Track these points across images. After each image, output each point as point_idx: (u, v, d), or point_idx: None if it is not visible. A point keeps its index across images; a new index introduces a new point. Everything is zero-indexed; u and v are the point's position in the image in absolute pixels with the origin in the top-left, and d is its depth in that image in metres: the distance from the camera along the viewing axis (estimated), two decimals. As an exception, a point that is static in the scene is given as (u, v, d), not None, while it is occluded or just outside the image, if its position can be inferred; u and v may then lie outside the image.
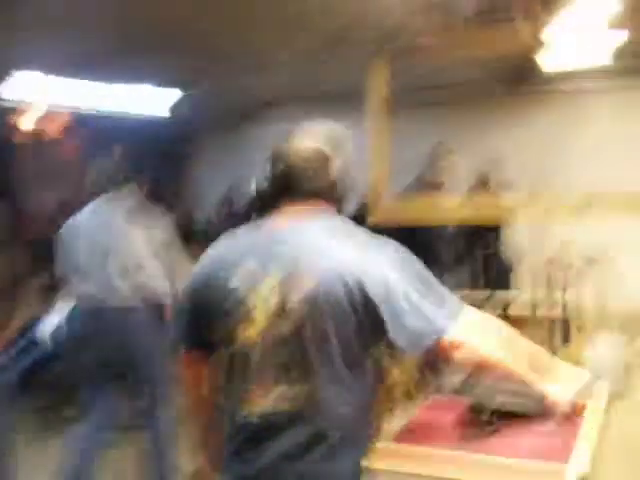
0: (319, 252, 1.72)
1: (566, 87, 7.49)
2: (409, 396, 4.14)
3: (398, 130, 5.86)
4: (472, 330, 1.71)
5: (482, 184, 7.09)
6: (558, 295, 4.20)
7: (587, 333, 4.71)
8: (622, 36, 5.61)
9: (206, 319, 1.82)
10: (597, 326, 5.82)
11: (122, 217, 3.92)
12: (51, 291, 5.70)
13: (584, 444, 1.92)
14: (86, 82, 6.52)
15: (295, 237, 1.76)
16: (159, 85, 7.09)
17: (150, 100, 7.46)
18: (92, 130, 8.33)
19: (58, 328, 4.98)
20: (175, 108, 7.82)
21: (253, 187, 1.71)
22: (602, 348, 5.16)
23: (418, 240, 5.04)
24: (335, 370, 1.71)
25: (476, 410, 2.11)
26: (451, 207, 4.72)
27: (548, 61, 5.87)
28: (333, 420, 1.73)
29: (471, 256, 7.01)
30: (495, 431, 2.01)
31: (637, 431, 4.49)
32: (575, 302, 4.16)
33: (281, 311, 1.70)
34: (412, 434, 2.02)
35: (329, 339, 1.69)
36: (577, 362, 3.82)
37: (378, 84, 4.08)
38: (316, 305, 1.67)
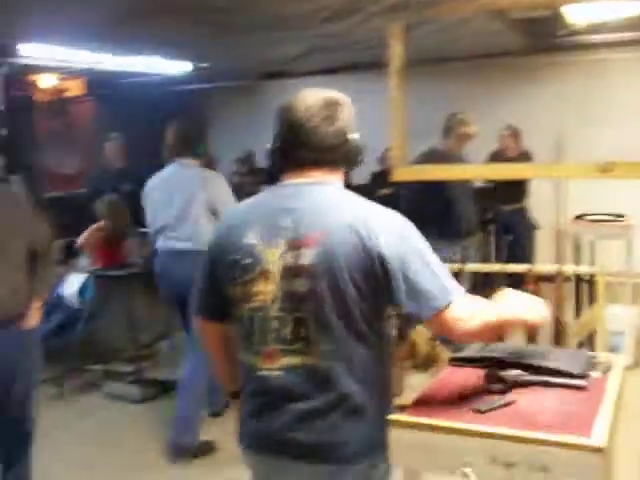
0: (331, 208, 1.80)
1: (592, 39, 7.35)
2: (427, 365, 4.18)
3: (416, 96, 5.86)
4: (471, 305, 1.83)
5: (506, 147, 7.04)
6: (583, 254, 4.14)
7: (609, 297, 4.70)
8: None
9: (226, 278, 1.89)
10: (615, 292, 5.92)
11: (205, 172, 4.51)
12: (68, 251, 5.76)
13: (604, 416, 1.85)
14: (97, 54, 6.45)
15: (305, 195, 1.84)
16: (170, 57, 7.02)
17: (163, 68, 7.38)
18: (110, 90, 8.33)
19: (84, 286, 5.12)
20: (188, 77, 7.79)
21: (268, 146, 1.77)
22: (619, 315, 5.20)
23: (443, 196, 5.02)
24: (354, 330, 1.77)
25: (491, 379, 2.06)
26: (469, 170, 4.65)
27: (574, 13, 5.77)
28: (351, 382, 1.78)
29: (496, 212, 7.01)
30: (510, 402, 1.95)
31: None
32: (599, 264, 4.08)
33: (298, 267, 1.77)
34: (426, 405, 1.98)
35: (346, 296, 1.74)
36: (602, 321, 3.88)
37: (395, 53, 4.01)
38: (331, 257, 1.74)
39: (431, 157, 5.06)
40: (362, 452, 1.85)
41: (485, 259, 4.52)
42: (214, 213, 4.25)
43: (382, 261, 1.74)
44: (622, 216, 6.21)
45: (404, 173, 4.20)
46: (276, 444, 1.86)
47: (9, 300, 3.33)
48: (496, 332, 1.96)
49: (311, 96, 1.91)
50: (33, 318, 3.47)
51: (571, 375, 2.09)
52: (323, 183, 1.88)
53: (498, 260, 4.28)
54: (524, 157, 6.98)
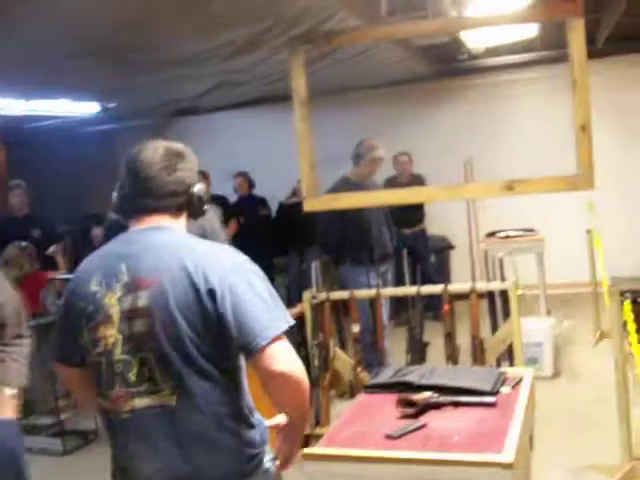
0: (164, 252, 1.85)
1: (490, 62, 7.65)
2: (352, 393, 4.19)
3: (325, 125, 5.95)
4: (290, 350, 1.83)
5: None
6: (496, 270, 4.25)
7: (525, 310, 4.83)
8: (532, 29, 5.85)
9: (76, 327, 1.91)
10: (531, 305, 6.11)
11: None
12: None
13: (513, 432, 1.89)
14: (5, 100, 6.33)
15: (142, 240, 1.89)
16: (77, 99, 6.91)
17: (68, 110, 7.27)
18: (17, 135, 8.15)
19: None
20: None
21: (115, 195, 1.79)
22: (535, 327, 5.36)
23: (356, 223, 5.08)
24: (195, 366, 1.79)
25: (403, 404, 2.08)
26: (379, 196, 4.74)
27: (471, 38, 5.98)
28: (201, 418, 1.80)
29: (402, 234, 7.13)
30: (423, 426, 1.97)
31: (577, 397, 4.82)
32: (514, 278, 4.21)
33: (134, 309, 1.81)
34: (340, 435, 1.98)
35: (181, 333, 1.78)
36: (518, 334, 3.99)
37: (298, 85, 4.06)
38: (164, 298, 1.79)
39: (343, 186, 5.12)
40: None
41: (400, 282, 4.58)
42: None
43: (212, 297, 1.78)
44: (532, 230, 6.40)
45: (315, 203, 4.24)
46: None
47: None
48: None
49: (152, 147, 1.96)
50: (5, 411, 2.82)
51: (481, 393, 2.13)
52: (161, 228, 1.92)
53: (413, 283, 4.33)
54: (417, 180, 7.17)
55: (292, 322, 1.85)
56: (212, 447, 1.82)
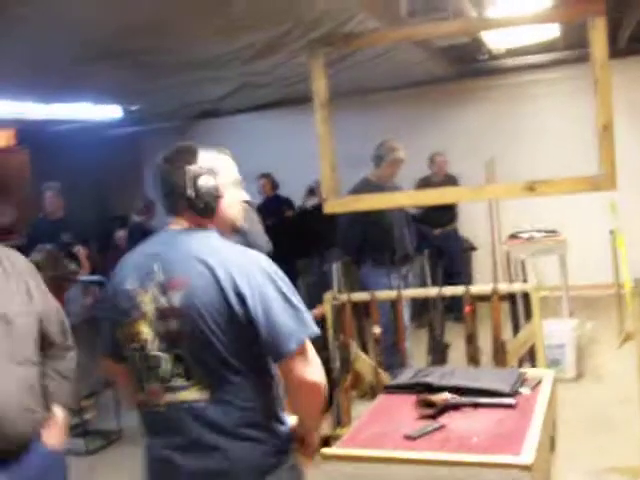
0: (194, 253, 1.91)
1: (511, 63, 7.61)
2: (373, 394, 4.19)
3: (346, 127, 5.95)
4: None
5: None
6: (518, 272, 4.23)
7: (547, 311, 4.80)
8: (554, 29, 5.82)
9: (115, 323, 2.00)
10: (553, 307, 6.07)
11: None
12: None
13: (533, 433, 1.89)
14: (25, 104, 6.38)
15: (173, 241, 1.96)
16: (98, 103, 6.96)
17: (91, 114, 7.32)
18: (41, 139, 8.24)
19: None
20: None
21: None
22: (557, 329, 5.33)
23: (378, 225, 5.09)
24: (225, 364, 1.86)
25: (422, 404, 2.08)
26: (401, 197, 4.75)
27: (492, 38, 5.96)
28: (232, 412, 1.87)
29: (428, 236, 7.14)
30: (442, 426, 1.97)
31: (600, 399, 4.80)
32: (536, 280, 4.18)
33: (168, 308, 1.88)
34: (360, 436, 1.98)
35: (211, 333, 1.84)
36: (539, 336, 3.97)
37: (319, 87, 4.07)
38: (193, 302, 1.85)
39: (364, 188, 5.12)
40: (251, 477, 1.90)
41: (423, 284, 4.57)
42: None
43: (242, 301, 1.83)
44: (555, 232, 6.36)
45: (336, 205, 4.25)
46: (169, 473, 1.94)
47: (16, 414, 2.23)
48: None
49: (168, 151, 2.03)
50: (54, 436, 2.40)
51: (500, 394, 2.13)
52: (191, 230, 1.98)
53: (435, 284, 4.32)
54: (451, 180, 7.18)
55: (318, 331, 1.90)
56: (243, 440, 1.88)
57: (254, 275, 1.86)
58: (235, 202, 2.08)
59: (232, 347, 1.86)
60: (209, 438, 1.88)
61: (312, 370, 1.86)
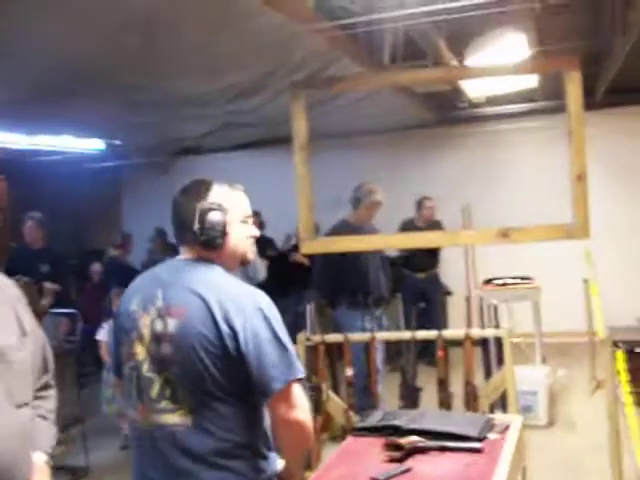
0: (195, 284, 1.97)
1: (490, 111, 7.75)
2: (344, 436, 4.17)
3: (327, 169, 6.01)
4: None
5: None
6: (492, 317, 4.25)
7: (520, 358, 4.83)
8: (532, 80, 5.96)
9: (119, 342, 2.09)
10: (527, 353, 6.11)
11: None
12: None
13: (499, 478, 1.89)
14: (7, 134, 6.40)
15: (178, 270, 2.04)
16: (80, 136, 6.98)
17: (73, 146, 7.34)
18: (22, 170, 8.22)
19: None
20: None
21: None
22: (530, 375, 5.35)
23: (353, 266, 5.11)
24: (212, 394, 1.91)
25: (389, 447, 2.08)
26: (377, 240, 4.78)
27: (472, 87, 6.07)
28: (212, 442, 1.91)
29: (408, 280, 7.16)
30: (409, 470, 1.97)
31: (571, 446, 4.81)
32: (508, 325, 4.21)
33: (163, 334, 1.95)
34: (329, 476, 1.98)
35: (200, 363, 1.90)
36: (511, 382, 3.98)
37: (299, 129, 4.13)
38: (187, 331, 1.91)
39: (342, 229, 5.16)
40: None
41: (397, 327, 4.58)
42: None
43: (234, 337, 1.88)
44: (529, 278, 6.41)
45: (313, 246, 4.28)
46: None
47: (18, 469, 1.86)
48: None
49: (188, 183, 2.11)
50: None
51: (468, 438, 2.14)
52: (196, 262, 2.05)
53: (408, 328, 4.33)
54: (436, 226, 7.19)
55: (303, 372, 1.95)
56: (218, 469, 1.92)
57: (249, 312, 1.91)
58: (243, 237, 2.14)
59: (220, 379, 1.90)
60: (184, 463, 1.91)
61: (296, 411, 1.90)
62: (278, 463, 2.02)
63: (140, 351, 1.98)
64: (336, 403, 4.39)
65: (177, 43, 3.88)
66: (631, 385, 3.90)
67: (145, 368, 1.97)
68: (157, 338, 1.96)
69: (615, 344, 3.82)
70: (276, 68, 4.65)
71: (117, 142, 7.29)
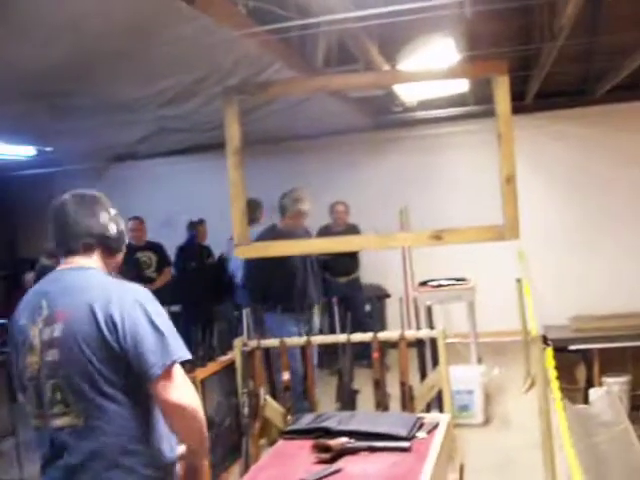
0: (76, 288, 2.08)
1: (424, 115, 7.86)
2: (274, 442, 4.17)
3: (262, 174, 5.98)
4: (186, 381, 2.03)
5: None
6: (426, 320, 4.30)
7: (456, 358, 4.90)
8: (463, 85, 6.08)
9: (17, 356, 2.15)
10: (462, 353, 6.20)
11: None
12: None
13: (425, 477, 1.92)
14: None
15: (60, 279, 2.14)
16: (10, 142, 6.83)
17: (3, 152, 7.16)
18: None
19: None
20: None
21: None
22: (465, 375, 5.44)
23: (284, 272, 5.11)
24: (100, 391, 1.98)
25: (318, 449, 2.09)
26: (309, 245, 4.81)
27: (405, 92, 6.15)
28: (105, 439, 1.98)
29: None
30: (338, 470, 1.99)
31: (506, 444, 4.90)
32: (443, 326, 4.27)
33: (50, 340, 2.03)
34: (259, 478, 1.98)
35: (86, 362, 1.98)
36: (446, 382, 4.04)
37: (231, 134, 4.12)
38: (71, 333, 2.00)
39: (269, 234, 5.15)
40: None
41: (331, 330, 4.60)
42: None
43: (114, 330, 1.97)
44: (463, 279, 6.51)
45: (246, 250, 4.27)
46: None
47: None
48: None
49: (68, 195, 2.22)
50: None
51: (397, 438, 2.16)
52: (78, 268, 2.15)
53: (343, 330, 4.35)
54: (352, 230, 7.22)
55: (188, 356, 2.05)
56: (116, 467, 1.99)
57: (127, 305, 2.01)
58: None
59: (107, 376, 1.98)
60: (82, 463, 1.98)
61: (179, 392, 1.97)
62: (179, 448, 2.09)
63: (34, 361, 2.06)
64: (274, 408, 4.39)
65: (106, 48, 3.82)
66: (561, 382, 3.99)
67: (40, 376, 2.05)
68: (46, 345, 2.04)
69: (545, 342, 3.90)
70: (208, 73, 4.62)
71: (48, 149, 7.14)
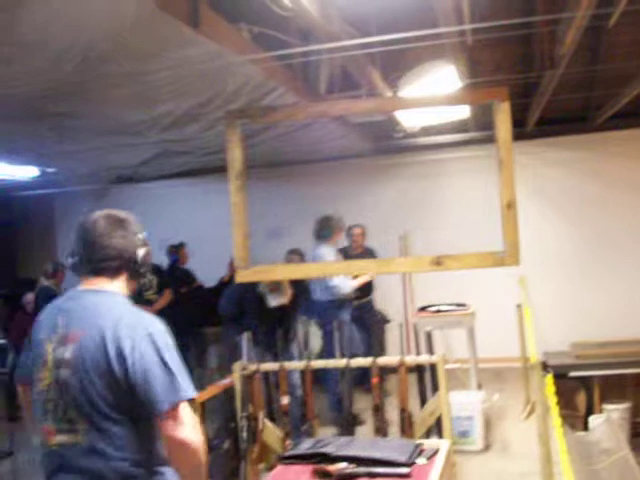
0: (92, 311, 2.09)
1: (425, 141, 7.89)
2: (272, 467, 4.15)
3: (261, 198, 6.02)
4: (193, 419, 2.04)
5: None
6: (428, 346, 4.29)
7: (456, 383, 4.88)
8: (465, 111, 6.13)
9: (33, 366, 2.18)
10: (462, 379, 6.18)
11: None
12: None
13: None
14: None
15: (79, 300, 2.15)
16: (13, 163, 6.87)
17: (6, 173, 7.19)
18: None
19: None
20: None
21: (69, 259, 2.11)
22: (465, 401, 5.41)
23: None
24: (104, 414, 2.01)
25: (319, 475, 2.08)
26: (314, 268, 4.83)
27: (407, 118, 6.19)
28: (105, 460, 2.00)
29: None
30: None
31: (506, 470, 4.89)
32: (443, 352, 4.26)
33: (62, 359, 2.06)
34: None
35: (92, 386, 2.01)
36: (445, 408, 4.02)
37: (234, 158, 4.14)
38: (81, 355, 2.03)
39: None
40: None
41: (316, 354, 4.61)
42: None
43: (122, 360, 1.99)
44: (463, 305, 6.50)
45: (248, 274, 4.27)
46: None
47: None
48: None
49: (96, 215, 2.20)
50: None
51: (396, 464, 2.15)
52: (98, 291, 2.15)
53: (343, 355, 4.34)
54: (368, 253, 7.27)
55: (194, 395, 2.05)
56: None
57: (138, 337, 2.01)
58: None
59: (112, 400, 2.00)
60: (95, 478, 2.00)
61: (184, 430, 1.98)
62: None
63: (45, 376, 2.09)
64: (273, 432, 4.36)
65: (110, 71, 3.86)
66: (561, 408, 3.97)
67: (49, 392, 2.08)
68: (58, 363, 2.07)
69: (545, 368, 3.89)
70: (211, 97, 4.65)
71: (51, 169, 7.18)
